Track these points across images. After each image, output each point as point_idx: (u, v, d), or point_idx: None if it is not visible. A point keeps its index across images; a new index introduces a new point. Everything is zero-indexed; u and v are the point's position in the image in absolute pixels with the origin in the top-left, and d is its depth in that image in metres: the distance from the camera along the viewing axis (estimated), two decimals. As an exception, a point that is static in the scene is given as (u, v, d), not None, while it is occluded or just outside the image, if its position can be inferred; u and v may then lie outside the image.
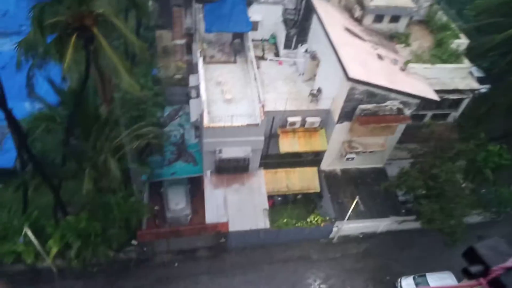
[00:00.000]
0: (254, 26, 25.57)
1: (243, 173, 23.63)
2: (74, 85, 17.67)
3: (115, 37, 17.97)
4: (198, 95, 22.98)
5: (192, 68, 27.12)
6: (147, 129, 19.34)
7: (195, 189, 24.30)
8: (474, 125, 25.30)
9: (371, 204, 24.36)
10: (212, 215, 22.27)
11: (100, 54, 15.77)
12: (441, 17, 25.67)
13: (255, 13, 25.32)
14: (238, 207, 22.73)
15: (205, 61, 24.07)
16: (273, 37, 27.69)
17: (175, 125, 25.65)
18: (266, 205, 23.11)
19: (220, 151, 21.62)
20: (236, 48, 25.40)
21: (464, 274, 2.16)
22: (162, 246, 22.62)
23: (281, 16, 26.11)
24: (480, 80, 26.43)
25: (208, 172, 23.27)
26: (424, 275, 22.57)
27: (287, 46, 26.57)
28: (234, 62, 25.09)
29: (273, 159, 24.76)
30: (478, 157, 22.73)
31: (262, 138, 21.90)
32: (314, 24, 24.81)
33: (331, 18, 23.29)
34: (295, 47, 26.40)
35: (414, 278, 22.54)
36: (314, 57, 24.56)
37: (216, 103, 22.34)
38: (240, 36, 25.31)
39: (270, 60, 26.24)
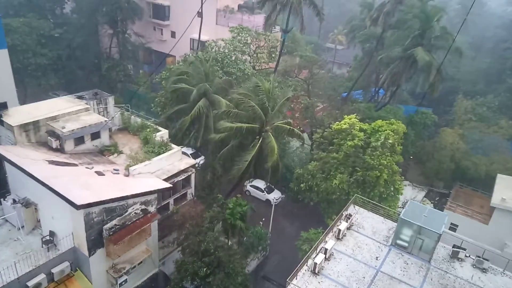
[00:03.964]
0: None
1: None
2: None
3: None
4: None
5: None
6: None
7: None
8: (210, 191, 28.47)
9: (168, 314, 22.50)
10: None
11: None
12: (136, 119, 28.16)
13: None
14: None
15: None
16: (-39, 205, 22.07)
17: None
18: None
19: None
20: None
21: None
22: None
23: (-40, 179, 21.32)
24: (194, 156, 30.43)
25: None
26: None
27: (-14, 207, 21.76)
28: None
29: None
30: (226, 215, 25.47)
31: (2, 328, 16.39)
32: (10, 171, 21.65)
33: (26, 158, 20.96)
34: (-2, 204, 21.99)
35: None
36: (27, 204, 21.18)
37: None
38: None
39: (-32, 232, 20.59)
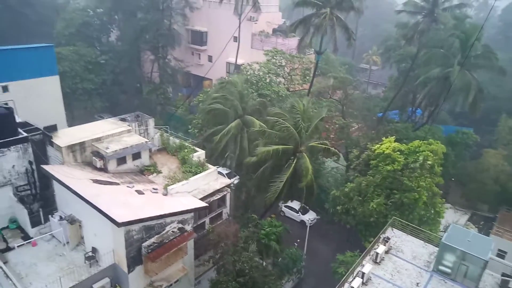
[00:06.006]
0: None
1: None
2: None
3: None
4: None
5: None
6: None
7: None
8: (245, 211, 28.65)
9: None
10: None
11: None
12: (174, 140, 29.17)
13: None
14: None
15: None
16: (13, 220, 23.56)
17: None
18: None
19: None
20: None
21: None
22: None
23: (13, 196, 22.83)
24: (229, 175, 30.90)
25: None
26: None
27: (36, 223, 23.06)
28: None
29: None
30: (261, 236, 25.47)
31: None
32: (58, 189, 22.94)
33: (73, 177, 22.17)
34: (46, 220, 23.26)
35: None
36: (72, 220, 22.26)
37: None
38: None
39: (19, 246, 21.85)
